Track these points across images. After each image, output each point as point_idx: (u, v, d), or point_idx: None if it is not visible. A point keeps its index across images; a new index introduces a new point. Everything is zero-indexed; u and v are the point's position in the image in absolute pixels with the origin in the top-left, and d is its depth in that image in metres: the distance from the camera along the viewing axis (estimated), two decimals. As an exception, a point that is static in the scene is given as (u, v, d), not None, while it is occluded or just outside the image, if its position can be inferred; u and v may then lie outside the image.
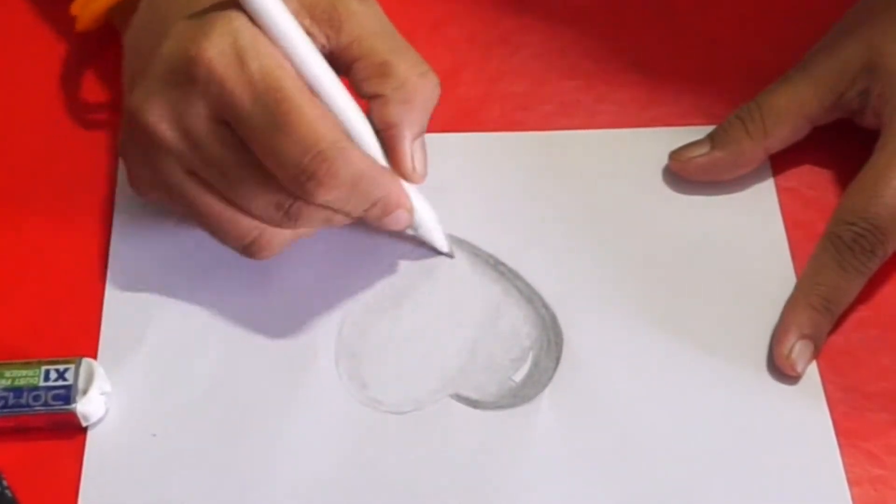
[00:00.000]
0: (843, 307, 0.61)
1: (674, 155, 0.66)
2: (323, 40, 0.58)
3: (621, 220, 0.65)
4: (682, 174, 0.66)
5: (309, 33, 0.58)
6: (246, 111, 0.56)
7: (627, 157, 0.67)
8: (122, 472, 0.59)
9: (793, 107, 0.64)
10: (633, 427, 0.59)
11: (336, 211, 0.58)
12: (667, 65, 0.70)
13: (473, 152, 0.67)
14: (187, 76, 0.56)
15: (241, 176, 0.57)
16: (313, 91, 0.57)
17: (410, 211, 0.60)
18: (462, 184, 0.66)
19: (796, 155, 0.66)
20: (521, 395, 0.60)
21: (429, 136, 0.61)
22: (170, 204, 0.61)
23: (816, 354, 0.61)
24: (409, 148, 0.59)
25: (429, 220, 0.62)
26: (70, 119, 0.69)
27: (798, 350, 0.60)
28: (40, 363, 0.59)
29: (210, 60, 0.56)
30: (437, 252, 0.64)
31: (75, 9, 0.66)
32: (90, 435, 0.59)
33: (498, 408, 0.60)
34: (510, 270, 0.63)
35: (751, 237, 0.64)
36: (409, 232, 0.63)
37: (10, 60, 0.71)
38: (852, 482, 0.58)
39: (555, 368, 0.61)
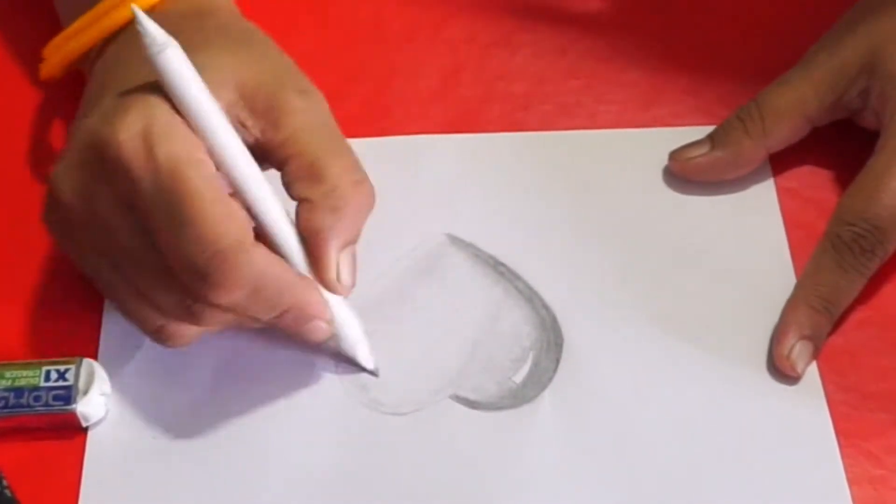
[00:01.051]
0: (843, 307, 0.61)
1: (674, 155, 0.66)
2: (257, 134, 0.56)
3: (621, 220, 0.65)
4: (682, 174, 0.66)
5: (243, 125, 0.56)
6: (148, 200, 0.53)
7: (627, 157, 0.67)
8: (122, 472, 0.59)
9: (793, 107, 0.64)
10: (634, 427, 0.59)
11: (240, 314, 0.55)
12: (667, 65, 0.70)
13: (473, 152, 0.67)
14: (99, 156, 0.54)
15: (145, 265, 0.54)
16: (234, 186, 0.54)
17: (330, 323, 0.57)
18: (462, 184, 0.66)
19: (796, 155, 0.65)
20: (521, 395, 0.60)
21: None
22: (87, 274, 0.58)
23: (816, 355, 0.61)
24: (334, 257, 0.56)
25: (353, 334, 0.59)
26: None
27: (798, 350, 0.60)
28: (41, 363, 0.59)
29: (120, 144, 0.53)
30: (362, 369, 0.60)
31: (47, 52, 0.63)
32: (90, 435, 0.59)
33: (498, 408, 0.60)
34: (510, 271, 0.63)
35: (751, 237, 0.64)
36: (332, 346, 0.59)
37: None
38: (852, 482, 0.58)
39: (555, 369, 0.61)
